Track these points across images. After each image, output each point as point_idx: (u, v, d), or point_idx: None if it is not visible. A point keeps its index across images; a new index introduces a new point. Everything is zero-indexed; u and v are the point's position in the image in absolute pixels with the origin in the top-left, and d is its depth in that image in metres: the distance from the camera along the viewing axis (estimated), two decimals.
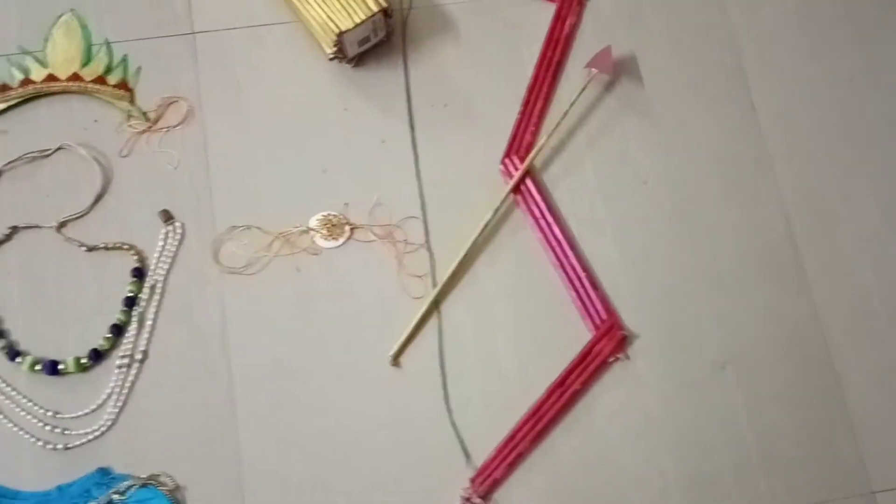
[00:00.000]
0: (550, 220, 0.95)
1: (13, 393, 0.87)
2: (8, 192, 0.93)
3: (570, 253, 0.94)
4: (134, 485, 0.84)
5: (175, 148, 0.95)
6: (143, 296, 0.90)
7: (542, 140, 0.97)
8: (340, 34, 0.93)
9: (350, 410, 0.89)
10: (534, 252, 0.95)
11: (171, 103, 0.96)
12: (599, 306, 0.92)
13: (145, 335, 0.89)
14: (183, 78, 0.98)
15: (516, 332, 0.92)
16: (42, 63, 0.97)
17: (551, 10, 1.03)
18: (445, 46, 1.02)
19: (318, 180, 0.96)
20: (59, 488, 0.84)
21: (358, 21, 0.93)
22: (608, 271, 0.95)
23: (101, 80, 0.96)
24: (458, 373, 0.91)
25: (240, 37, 1.00)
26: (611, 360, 0.91)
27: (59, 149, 0.94)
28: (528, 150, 0.98)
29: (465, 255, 0.93)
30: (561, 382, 0.89)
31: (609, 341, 0.91)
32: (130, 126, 0.95)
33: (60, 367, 0.87)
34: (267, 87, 0.99)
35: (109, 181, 0.94)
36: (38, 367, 0.87)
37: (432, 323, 0.92)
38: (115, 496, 0.83)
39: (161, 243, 0.92)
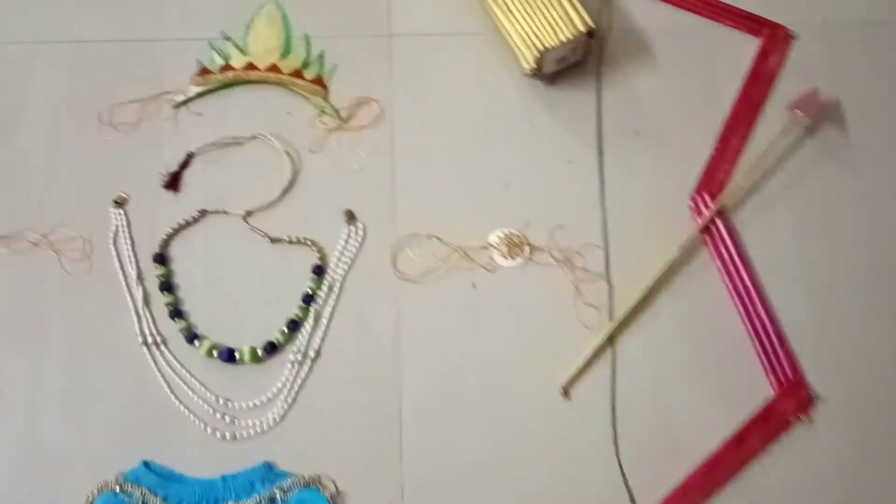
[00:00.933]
0: (739, 265, 0.91)
1: (188, 376, 0.87)
2: (199, 174, 0.94)
3: (757, 302, 0.89)
4: (297, 484, 0.83)
5: (363, 149, 0.95)
6: (321, 293, 0.89)
7: (736, 179, 0.93)
8: (544, 51, 0.92)
9: (514, 435, 0.86)
10: (717, 296, 0.91)
11: (364, 104, 0.96)
12: (785, 362, 0.87)
13: (320, 333, 0.88)
14: (376, 79, 0.97)
15: (692, 378, 0.89)
16: (242, 51, 0.97)
17: (755, 44, 0.99)
18: (641, 72, 0.99)
19: (499, 195, 0.94)
20: (224, 478, 0.84)
21: (564, 40, 0.91)
22: (794, 325, 0.90)
23: (297, 73, 0.96)
24: (628, 412, 0.87)
25: (434, 43, 0.99)
26: (792, 419, 0.86)
27: (252, 138, 0.94)
28: (720, 189, 0.94)
29: (646, 291, 0.90)
30: (739, 439, 0.85)
31: (792, 400, 0.86)
32: (322, 122, 0.95)
33: (236, 355, 0.87)
34: (457, 96, 0.97)
35: (297, 175, 0.94)
36: (214, 354, 0.87)
37: (605, 357, 0.89)
38: (279, 493, 0.83)
39: (342, 243, 0.91)
